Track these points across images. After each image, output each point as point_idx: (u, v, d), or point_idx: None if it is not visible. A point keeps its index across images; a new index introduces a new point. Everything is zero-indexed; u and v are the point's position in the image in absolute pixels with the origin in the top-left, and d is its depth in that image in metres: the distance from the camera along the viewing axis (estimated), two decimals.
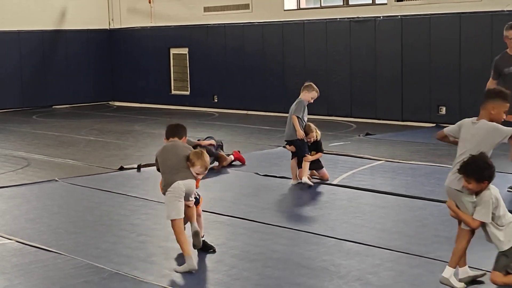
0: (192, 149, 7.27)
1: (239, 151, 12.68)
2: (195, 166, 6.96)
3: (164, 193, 7.00)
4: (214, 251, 7.23)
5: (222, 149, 12.44)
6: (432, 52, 17.15)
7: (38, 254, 7.29)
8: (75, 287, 6.39)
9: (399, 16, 17.71)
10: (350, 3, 19.30)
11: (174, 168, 6.97)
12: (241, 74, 21.24)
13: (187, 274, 6.61)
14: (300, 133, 10.53)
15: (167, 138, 7.59)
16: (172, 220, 6.90)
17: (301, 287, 6.17)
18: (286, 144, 11.14)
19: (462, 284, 6.11)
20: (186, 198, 7.00)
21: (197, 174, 7.00)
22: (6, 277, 6.64)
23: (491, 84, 9.91)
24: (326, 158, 12.78)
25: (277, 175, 11.03)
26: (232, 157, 12.42)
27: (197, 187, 7.11)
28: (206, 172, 7.10)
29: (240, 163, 12.39)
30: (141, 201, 9.76)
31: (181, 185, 6.88)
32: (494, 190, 6.04)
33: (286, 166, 11.51)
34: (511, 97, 9.78)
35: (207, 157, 7.09)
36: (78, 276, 6.62)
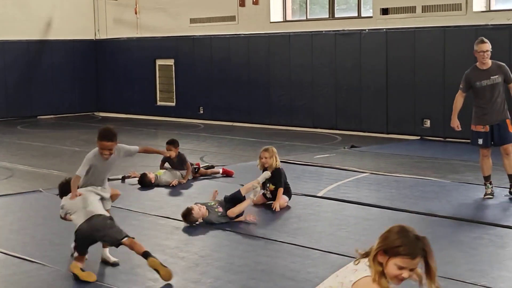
0: None
1: (224, 166, 12.70)
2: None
3: None
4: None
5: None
6: (417, 65, 17.25)
7: (22, 265, 7.25)
8: None
9: (384, 29, 17.81)
10: (336, 16, 19.40)
11: None
12: (227, 85, 21.27)
13: (168, 286, 6.59)
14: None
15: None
16: None
17: None
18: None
19: None
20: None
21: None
22: None
23: (460, 96, 10.24)
24: (311, 170, 12.82)
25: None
26: (220, 170, 12.48)
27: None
28: None
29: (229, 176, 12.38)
30: (125, 212, 9.74)
31: None
32: None
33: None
34: (489, 108, 9.97)
35: None
36: (61, 287, 6.58)
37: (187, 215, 8.84)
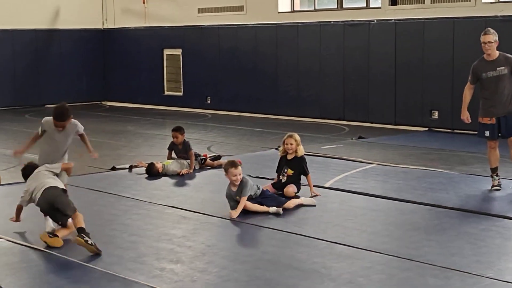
0: None
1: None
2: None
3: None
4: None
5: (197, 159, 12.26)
6: (425, 57, 17.19)
7: (29, 253, 7.27)
8: (65, 286, 6.38)
9: (393, 20, 17.75)
10: (344, 6, 19.34)
11: None
12: (234, 75, 21.25)
13: (174, 275, 6.60)
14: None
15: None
16: None
17: None
18: None
19: None
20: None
21: None
22: None
23: (468, 88, 10.24)
24: (318, 160, 12.80)
25: (269, 177, 11.01)
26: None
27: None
28: None
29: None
30: (133, 201, 9.75)
31: None
32: None
33: None
34: (496, 100, 9.93)
35: None
36: (68, 275, 6.60)
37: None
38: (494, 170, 10.17)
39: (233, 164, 8.98)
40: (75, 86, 24.56)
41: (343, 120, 18.73)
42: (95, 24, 25.09)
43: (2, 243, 7.74)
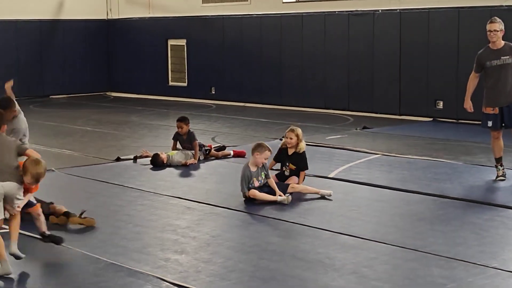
0: (21, 146, 6.91)
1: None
2: (25, 176, 6.60)
3: None
4: (60, 241, 7.09)
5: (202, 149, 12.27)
6: (430, 46, 17.15)
7: (35, 244, 7.28)
8: (70, 277, 6.39)
9: (398, 10, 17.70)
10: None
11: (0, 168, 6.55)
12: (239, 66, 21.22)
13: (179, 265, 6.61)
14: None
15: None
16: None
17: (296, 279, 6.18)
18: None
19: None
20: (8, 202, 6.58)
21: (29, 183, 6.65)
22: None
23: (473, 77, 10.23)
24: (323, 151, 12.80)
25: (273, 168, 11.01)
26: (231, 152, 12.46)
27: (32, 191, 6.80)
28: (39, 182, 6.70)
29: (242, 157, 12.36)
30: (138, 192, 9.76)
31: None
32: None
33: None
34: (499, 89, 9.90)
35: (41, 168, 6.62)
36: (73, 266, 6.62)
37: None
38: (498, 160, 10.16)
39: (268, 148, 9.16)
40: (79, 77, 24.56)
41: (348, 110, 18.71)
42: (100, 14, 25.07)
43: (7, 234, 7.75)
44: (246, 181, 9.07)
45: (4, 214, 6.64)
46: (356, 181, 10.19)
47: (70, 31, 24.27)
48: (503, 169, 10.16)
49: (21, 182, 6.63)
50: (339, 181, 10.26)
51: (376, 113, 18.15)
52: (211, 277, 6.29)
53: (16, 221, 6.73)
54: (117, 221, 8.26)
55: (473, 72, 10.21)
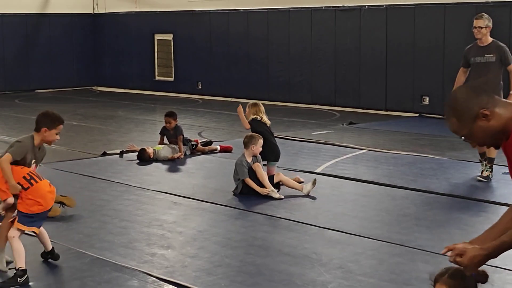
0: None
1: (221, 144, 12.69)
2: None
3: None
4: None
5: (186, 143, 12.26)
6: (416, 42, 17.20)
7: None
8: (57, 272, 6.38)
9: (384, 6, 17.73)
10: None
11: None
12: (225, 61, 21.21)
13: (165, 260, 6.61)
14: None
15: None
16: None
17: (282, 274, 6.19)
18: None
19: None
20: None
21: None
22: None
23: (462, 72, 10.22)
24: (309, 146, 12.82)
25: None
26: (218, 147, 12.47)
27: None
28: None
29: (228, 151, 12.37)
30: (124, 186, 9.75)
31: None
32: None
33: None
34: (491, 86, 9.92)
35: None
36: (60, 260, 6.60)
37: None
38: (482, 155, 10.16)
39: (260, 137, 9.32)
40: (65, 71, 24.47)
41: (334, 105, 18.74)
42: (86, 8, 24.97)
43: None
44: (246, 167, 9.11)
45: None
46: (342, 176, 10.22)
47: (56, 25, 24.17)
48: (486, 166, 10.06)
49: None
50: (325, 176, 10.28)
51: (363, 108, 18.19)
52: (198, 272, 6.30)
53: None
54: (103, 215, 8.25)
55: (461, 67, 10.23)
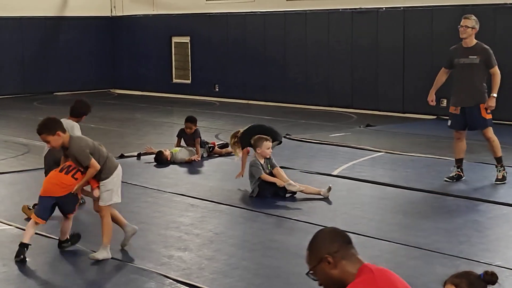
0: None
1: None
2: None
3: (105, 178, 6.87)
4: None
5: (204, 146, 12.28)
6: (434, 44, 17.12)
7: (38, 240, 7.29)
8: (74, 274, 6.41)
9: (402, 8, 17.68)
10: None
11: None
12: (243, 63, 21.22)
13: (182, 262, 6.62)
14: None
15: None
16: (108, 206, 6.93)
17: (299, 277, 6.17)
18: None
19: None
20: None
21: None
22: (5, 263, 6.66)
23: (443, 72, 10.28)
24: (326, 148, 12.80)
25: (277, 165, 11.01)
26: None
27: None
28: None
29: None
30: (141, 189, 9.77)
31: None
32: None
33: (286, 156, 11.54)
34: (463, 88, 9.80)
35: None
36: (77, 262, 6.64)
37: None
38: (457, 162, 10.00)
39: (266, 138, 9.28)
40: (83, 74, 24.57)
41: (351, 108, 18.69)
42: (104, 11, 25.08)
43: (12, 230, 7.78)
44: (260, 167, 9.12)
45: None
46: (359, 179, 10.19)
47: (74, 28, 24.28)
48: (457, 171, 9.95)
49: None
50: (342, 179, 10.26)
51: (380, 110, 18.14)
52: (215, 274, 6.31)
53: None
54: None
55: (443, 67, 10.18)
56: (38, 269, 6.58)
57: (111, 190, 6.85)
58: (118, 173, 6.97)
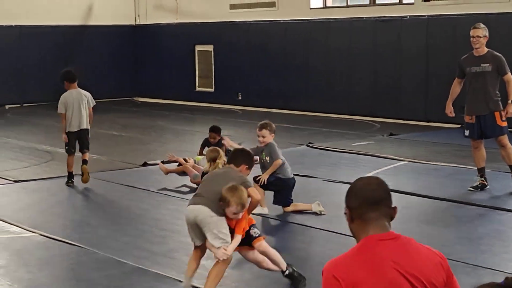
0: (246, 183, 6.03)
1: None
2: (230, 206, 5.71)
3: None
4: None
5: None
6: (458, 53, 17.01)
7: (61, 248, 7.35)
8: (97, 281, 6.44)
9: (426, 16, 17.62)
10: (377, 2, 19.23)
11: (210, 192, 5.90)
12: (265, 72, 21.24)
13: (205, 270, 6.62)
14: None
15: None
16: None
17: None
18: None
19: None
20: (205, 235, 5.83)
21: (234, 214, 5.77)
22: (30, 270, 6.71)
23: (456, 83, 10.23)
24: (348, 157, 12.76)
25: (300, 174, 11.00)
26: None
27: (239, 228, 5.88)
28: (243, 210, 5.82)
29: None
30: (163, 196, 9.80)
31: (188, 212, 6.02)
32: None
33: (308, 164, 11.52)
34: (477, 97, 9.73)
35: (242, 193, 5.74)
36: (100, 269, 6.67)
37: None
38: (479, 171, 9.93)
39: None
40: (107, 82, 24.69)
41: (374, 116, 18.64)
42: (128, 20, 25.24)
43: (36, 237, 7.83)
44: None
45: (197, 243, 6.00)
46: None
47: (98, 36, 24.45)
48: (481, 180, 9.85)
49: (220, 213, 5.79)
50: None
51: (403, 119, 18.06)
52: (237, 282, 6.30)
53: (216, 270, 5.83)
54: (142, 225, 8.31)
55: (456, 78, 10.14)
56: (61, 277, 6.62)
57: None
58: None
